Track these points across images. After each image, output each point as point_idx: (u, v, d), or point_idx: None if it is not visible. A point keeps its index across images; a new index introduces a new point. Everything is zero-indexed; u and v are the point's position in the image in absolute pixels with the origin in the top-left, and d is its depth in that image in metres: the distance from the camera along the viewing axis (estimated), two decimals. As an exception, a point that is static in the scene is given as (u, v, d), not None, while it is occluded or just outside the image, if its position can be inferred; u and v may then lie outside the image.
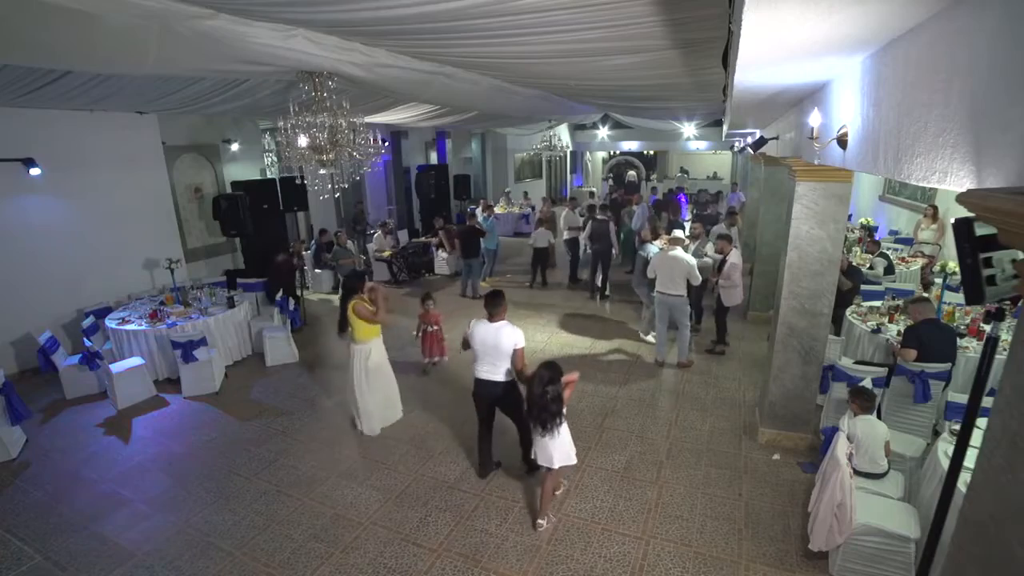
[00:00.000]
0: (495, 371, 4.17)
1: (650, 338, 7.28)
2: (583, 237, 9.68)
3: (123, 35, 3.24)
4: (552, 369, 3.59)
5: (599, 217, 9.24)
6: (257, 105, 6.33)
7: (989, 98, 1.23)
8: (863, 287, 6.45)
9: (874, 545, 3.24)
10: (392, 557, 3.69)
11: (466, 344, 4.30)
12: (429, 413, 5.64)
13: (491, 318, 4.13)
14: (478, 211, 12.32)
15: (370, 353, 5.03)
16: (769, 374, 4.86)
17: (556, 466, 3.70)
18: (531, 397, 3.60)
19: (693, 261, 6.29)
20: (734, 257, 6.72)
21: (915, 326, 4.59)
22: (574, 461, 3.80)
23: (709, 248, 7.34)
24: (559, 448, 3.67)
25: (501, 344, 4.06)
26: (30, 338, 6.67)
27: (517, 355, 4.06)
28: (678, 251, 6.29)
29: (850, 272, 6.17)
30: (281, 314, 7.23)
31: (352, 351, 5.05)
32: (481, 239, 9.76)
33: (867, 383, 4.34)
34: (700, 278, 6.36)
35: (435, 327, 6.52)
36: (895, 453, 3.86)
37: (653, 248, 6.86)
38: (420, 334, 6.49)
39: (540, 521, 3.94)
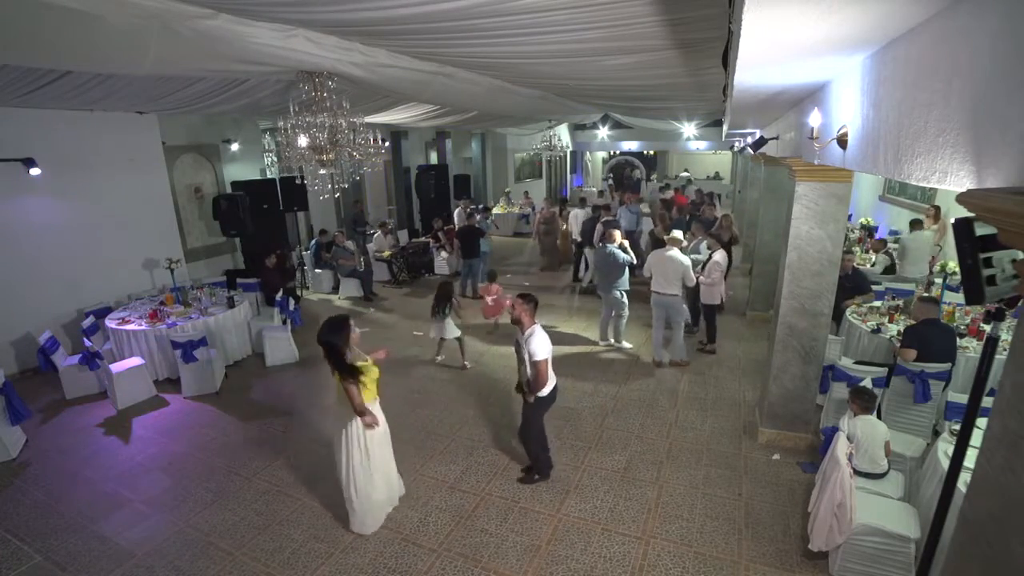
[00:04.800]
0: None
1: (626, 344, 7.26)
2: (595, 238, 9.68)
3: (123, 35, 3.24)
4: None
5: (608, 219, 9.23)
6: (257, 105, 6.33)
7: (989, 98, 1.23)
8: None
9: (874, 545, 3.24)
10: (392, 557, 3.69)
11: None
12: (429, 413, 5.63)
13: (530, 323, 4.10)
14: (457, 212, 12.15)
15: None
16: (769, 374, 4.86)
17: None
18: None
19: (687, 262, 6.29)
20: (718, 256, 6.79)
21: (915, 326, 4.59)
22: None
23: (704, 248, 7.37)
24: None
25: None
26: (30, 338, 6.68)
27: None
28: (674, 251, 6.28)
29: (855, 276, 6.15)
30: (281, 314, 7.23)
31: (348, 425, 3.74)
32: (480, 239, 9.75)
33: (867, 383, 4.34)
34: (694, 279, 6.38)
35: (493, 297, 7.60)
36: (895, 453, 3.86)
37: (611, 247, 6.86)
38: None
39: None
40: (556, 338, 7.54)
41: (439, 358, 6.83)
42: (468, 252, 9.54)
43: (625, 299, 7.04)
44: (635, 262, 6.98)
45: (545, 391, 4.13)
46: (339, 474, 3.84)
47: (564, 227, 11.50)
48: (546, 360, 3.98)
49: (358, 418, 3.70)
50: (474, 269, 9.70)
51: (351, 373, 3.56)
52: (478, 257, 9.68)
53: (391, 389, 6.03)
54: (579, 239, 10.29)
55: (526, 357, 4.04)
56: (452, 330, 6.55)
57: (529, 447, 4.43)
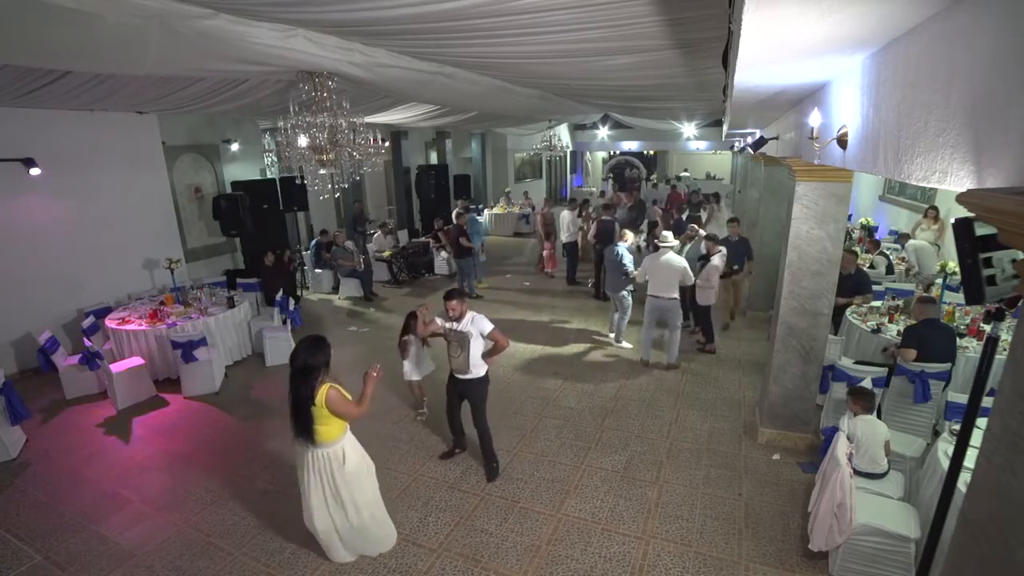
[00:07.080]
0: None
1: (625, 344, 7.27)
2: (589, 236, 9.67)
3: (123, 35, 3.24)
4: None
5: (604, 217, 9.21)
6: (257, 105, 6.33)
7: (989, 98, 1.23)
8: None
9: (874, 545, 3.24)
10: (392, 557, 3.69)
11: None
12: (429, 413, 5.62)
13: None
14: (454, 213, 12.09)
15: (344, 456, 3.43)
16: (769, 374, 4.86)
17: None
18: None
19: (684, 263, 6.28)
20: (716, 259, 6.78)
21: (915, 326, 4.59)
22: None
23: (703, 249, 7.39)
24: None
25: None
26: (30, 338, 6.67)
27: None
28: (670, 254, 6.26)
29: (857, 275, 6.13)
30: (281, 314, 7.23)
31: (310, 460, 3.39)
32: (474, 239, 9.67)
33: (867, 383, 4.34)
34: (693, 278, 6.37)
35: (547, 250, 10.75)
36: (895, 453, 3.87)
37: (621, 248, 6.86)
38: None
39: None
40: (556, 338, 7.58)
41: (420, 416, 5.60)
42: (455, 252, 9.52)
43: (629, 299, 7.05)
44: (631, 272, 6.86)
45: (483, 371, 4.39)
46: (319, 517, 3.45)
47: (583, 228, 11.48)
48: (495, 327, 4.34)
49: (331, 448, 3.37)
50: (463, 269, 9.58)
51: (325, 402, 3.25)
52: (467, 257, 9.49)
53: (390, 390, 6.03)
54: (564, 240, 10.47)
55: (473, 338, 4.23)
56: (426, 366, 5.57)
57: (488, 438, 4.50)
